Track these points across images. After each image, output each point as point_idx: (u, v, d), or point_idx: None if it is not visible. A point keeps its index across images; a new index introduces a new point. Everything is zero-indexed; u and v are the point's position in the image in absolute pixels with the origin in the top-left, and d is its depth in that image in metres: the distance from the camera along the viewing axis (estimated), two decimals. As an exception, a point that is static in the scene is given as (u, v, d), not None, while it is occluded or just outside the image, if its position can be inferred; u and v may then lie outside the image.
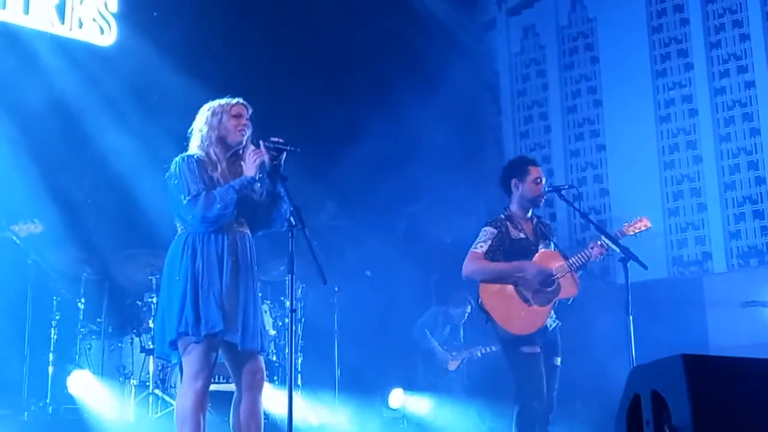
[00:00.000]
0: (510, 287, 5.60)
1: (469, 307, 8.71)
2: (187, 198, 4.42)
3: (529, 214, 5.80)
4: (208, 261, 4.41)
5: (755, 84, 9.46)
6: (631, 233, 5.68)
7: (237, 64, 8.93)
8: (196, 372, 4.35)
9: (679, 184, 9.80)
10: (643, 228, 5.69)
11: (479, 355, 8.70)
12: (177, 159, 4.54)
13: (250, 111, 4.68)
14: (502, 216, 5.75)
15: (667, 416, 2.96)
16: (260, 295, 6.42)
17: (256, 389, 4.51)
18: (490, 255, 5.63)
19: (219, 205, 4.38)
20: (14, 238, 6.89)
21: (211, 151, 4.55)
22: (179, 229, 4.56)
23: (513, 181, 5.76)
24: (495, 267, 5.61)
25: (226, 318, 4.34)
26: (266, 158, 4.54)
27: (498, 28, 11.31)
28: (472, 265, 5.65)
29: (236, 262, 4.47)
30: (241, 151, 4.63)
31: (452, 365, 8.73)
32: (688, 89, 9.87)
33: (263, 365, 4.58)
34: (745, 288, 8.71)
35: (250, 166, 4.50)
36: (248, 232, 4.62)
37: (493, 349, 8.48)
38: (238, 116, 4.59)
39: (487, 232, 5.67)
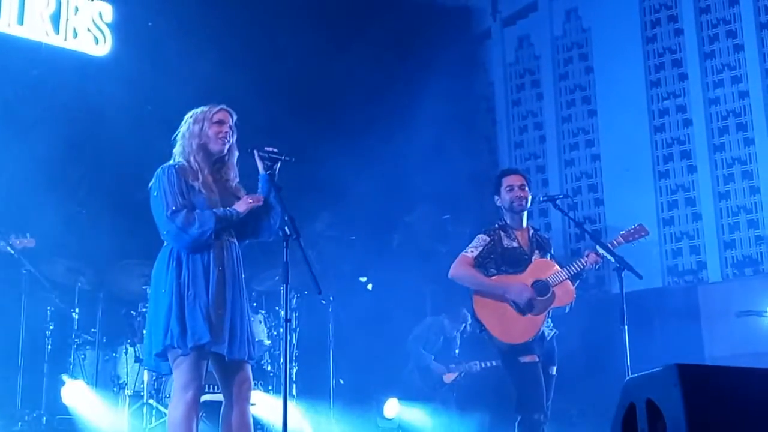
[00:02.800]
0: (502, 297, 5.62)
1: (463, 325, 8.64)
2: (167, 212, 4.41)
3: (524, 225, 5.82)
4: (194, 272, 4.40)
5: (749, 94, 9.48)
6: (629, 241, 5.69)
7: (232, 74, 8.92)
8: (186, 383, 4.35)
9: (674, 193, 9.81)
10: (641, 235, 5.69)
11: (478, 369, 8.62)
12: (158, 170, 4.54)
13: (234, 117, 4.66)
14: (497, 225, 5.80)
15: (662, 426, 2.96)
16: (255, 304, 6.42)
17: (243, 399, 4.50)
18: (480, 261, 5.67)
19: (197, 230, 4.38)
20: (9, 249, 6.88)
21: (192, 159, 4.54)
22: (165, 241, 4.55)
23: (495, 198, 5.86)
24: (480, 279, 5.64)
25: (212, 329, 4.33)
26: (260, 166, 4.54)
27: (493, 39, 11.33)
28: (459, 268, 5.70)
29: (222, 273, 4.45)
30: (226, 158, 4.62)
31: (448, 378, 8.65)
32: (682, 99, 9.89)
33: (250, 375, 4.57)
34: (740, 297, 8.72)
35: (242, 204, 4.51)
36: (235, 241, 4.61)
37: (493, 363, 8.42)
38: (220, 123, 4.58)
39: (480, 239, 5.74)
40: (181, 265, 4.41)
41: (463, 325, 8.61)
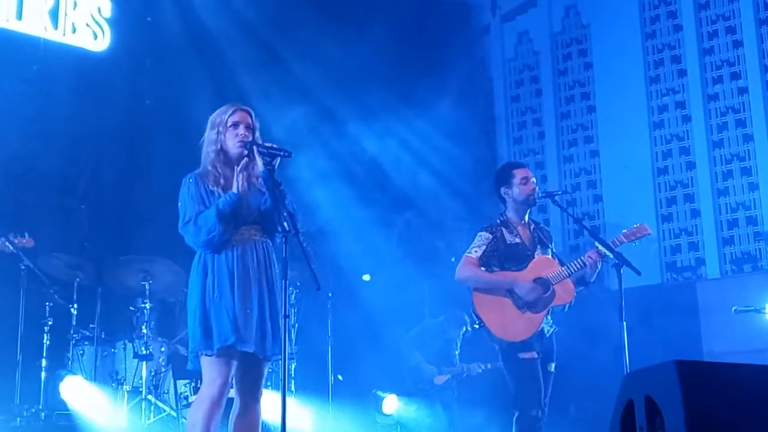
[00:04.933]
0: (503, 293, 5.61)
1: (463, 329, 8.58)
2: (181, 224, 4.49)
3: (526, 219, 5.80)
4: (219, 275, 4.43)
5: (748, 90, 9.48)
6: (631, 240, 5.67)
7: (230, 70, 8.92)
8: (213, 379, 4.38)
9: (673, 189, 9.81)
10: (643, 234, 5.68)
11: (480, 371, 8.55)
12: (183, 180, 4.56)
13: (253, 114, 4.63)
14: (498, 221, 5.76)
15: (660, 422, 2.96)
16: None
17: (255, 398, 4.53)
18: (485, 260, 5.64)
19: (205, 234, 4.41)
20: (8, 245, 6.88)
21: (211, 167, 4.54)
22: None
23: (502, 190, 5.79)
24: (488, 276, 5.62)
25: (237, 329, 4.35)
26: (259, 162, 4.50)
27: (492, 34, 11.32)
28: (465, 270, 5.66)
29: (246, 272, 4.45)
30: (253, 156, 4.56)
31: (439, 380, 8.58)
32: (681, 95, 9.89)
33: (265, 373, 4.60)
34: (738, 294, 8.72)
35: (234, 185, 4.45)
36: (264, 239, 4.57)
37: (488, 366, 8.38)
38: (236, 125, 4.53)
39: (482, 237, 5.69)
40: (206, 270, 4.46)
41: (463, 328, 8.54)
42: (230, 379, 4.43)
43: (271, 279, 4.54)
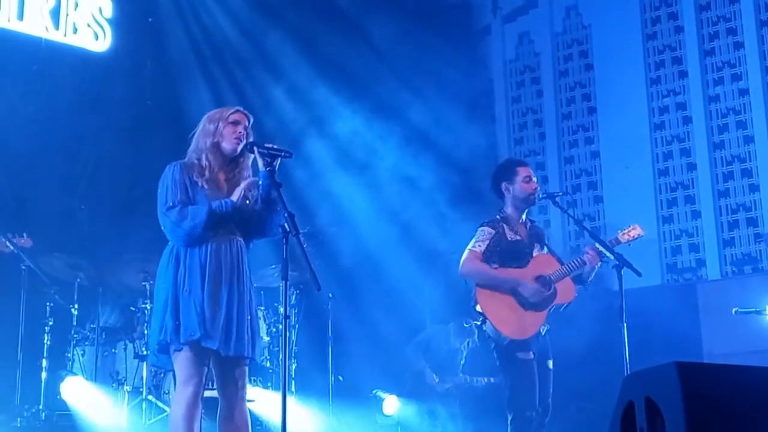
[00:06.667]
0: (507, 291, 5.61)
1: (468, 340, 8.53)
2: (164, 208, 4.48)
3: (524, 218, 5.80)
4: (190, 269, 4.43)
5: (749, 92, 9.46)
6: (625, 241, 5.69)
7: (230, 70, 8.93)
8: (186, 379, 4.39)
9: (673, 191, 9.80)
10: (636, 236, 5.70)
11: (483, 383, 8.50)
12: (167, 167, 4.57)
13: (251, 120, 4.68)
14: (498, 217, 5.76)
15: (660, 424, 2.95)
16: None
17: (239, 399, 4.53)
18: (486, 255, 5.63)
19: (189, 223, 4.41)
20: (8, 244, 6.89)
21: (203, 157, 4.57)
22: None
23: (503, 185, 5.78)
24: (493, 273, 5.62)
25: (204, 325, 4.35)
26: (260, 162, 4.53)
27: (493, 35, 11.31)
28: (470, 264, 5.65)
29: (219, 269, 4.46)
30: (240, 159, 4.62)
31: (440, 388, 8.53)
32: (682, 97, 9.88)
33: (246, 373, 4.58)
34: (738, 295, 8.71)
35: (235, 193, 4.51)
36: (239, 238, 4.60)
37: (492, 380, 8.33)
38: (235, 123, 4.59)
39: (485, 231, 5.68)
40: (179, 263, 4.46)
41: (468, 339, 8.48)
42: (204, 378, 4.43)
43: (243, 278, 4.56)
